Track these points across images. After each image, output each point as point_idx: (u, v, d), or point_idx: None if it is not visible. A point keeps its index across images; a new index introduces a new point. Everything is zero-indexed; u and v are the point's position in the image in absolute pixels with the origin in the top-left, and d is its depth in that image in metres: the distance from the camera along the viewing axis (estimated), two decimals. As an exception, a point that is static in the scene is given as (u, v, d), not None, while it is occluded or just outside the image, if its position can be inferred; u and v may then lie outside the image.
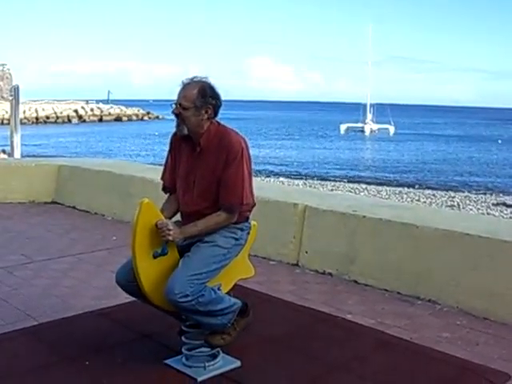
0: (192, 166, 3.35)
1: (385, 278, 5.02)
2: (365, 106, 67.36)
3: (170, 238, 3.14)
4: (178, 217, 3.49)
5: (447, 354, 3.76)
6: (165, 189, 3.56)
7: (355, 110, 69.22)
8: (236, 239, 3.37)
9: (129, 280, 3.27)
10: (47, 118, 73.36)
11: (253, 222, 3.57)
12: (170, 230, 3.13)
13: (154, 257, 3.17)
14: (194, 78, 3.29)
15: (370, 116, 66.29)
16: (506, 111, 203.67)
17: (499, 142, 57.63)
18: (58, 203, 8.50)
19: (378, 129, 65.36)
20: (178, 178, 3.42)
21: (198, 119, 3.25)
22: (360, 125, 65.76)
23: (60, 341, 3.83)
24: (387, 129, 64.01)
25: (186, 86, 3.26)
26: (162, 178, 3.57)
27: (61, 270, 5.41)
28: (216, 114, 3.32)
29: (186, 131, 3.28)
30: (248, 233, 3.49)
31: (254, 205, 3.46)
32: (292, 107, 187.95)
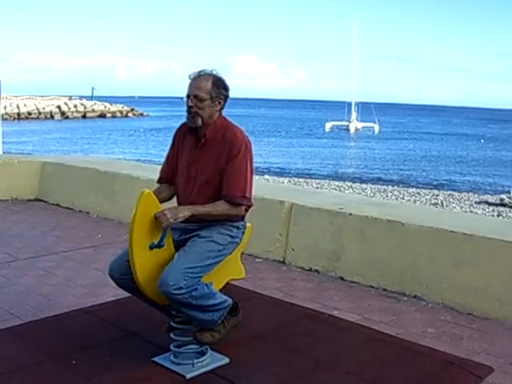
0: (195, 157, 3.40)
1: (371, 275, 5.05)
2: (350, 104, 67.52)
3: (171, 220, 3.13)
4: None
5: (433, 349, 3.81)
6: (160, 179, 3.59)
7: (340, 108, 69.38)
8: (232, 237, 3.40)
9: (122, 273, 3.28)
10: (29, 114, 72.41)
11: (248, 224, 3.59)
12: (165, 215, 3.14)
13: (151, 248, 3.19)
14: (201, 71, 3.36)
15: (354, 114, 66.49)
16: (489, 111, 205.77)
17: (482, 141, 58.16)
18: (42, 200, 8.44)
19: (363, 127, 65.60)
20: (179, 169, 3.45)
21: (212, 110, 3.33)
22: (345, 123, 65.96)
23: (46, 340, 3.80)
24: (372, 127, 64.27)
25: (198, 79, 3.32)
26: (165, 165, 3.60)
27: (46, 268, 5.38)
28: (224, 105, 3.40)
29: (200, 122, 3.33)
30: (243, 232, 3.52)
31: (252, 205, 3.48)
32: (277, 105, 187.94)
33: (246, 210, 3.47)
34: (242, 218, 3.50)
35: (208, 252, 3.25)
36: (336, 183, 25.59)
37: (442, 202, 21.06)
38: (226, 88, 3.37)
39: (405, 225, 4.92)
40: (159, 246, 3.20)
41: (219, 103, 3.35)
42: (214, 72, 3.37)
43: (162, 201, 3.42)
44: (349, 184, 25.48)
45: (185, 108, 3.35)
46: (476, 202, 21.28)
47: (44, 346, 3.71)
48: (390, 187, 25.20)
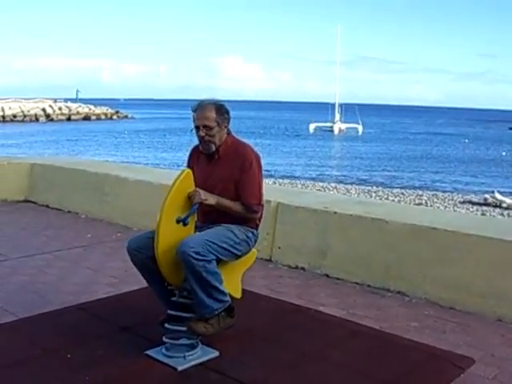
0: (211, 172, 3.73)
1: (356, 272, 5.19)
2: (333, 105, 67.80)
3: (202, 196, 3.48)
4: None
5: (416, 342, 3.94)
6: None
7: (325, 109, 69.63)
8: (247, 237, 3.73)
9: (140, 246, 3.55)
10: (14, 116, 72.09)
11: (253, 249, 3.87)
12: (198, 192, 3.48)
13: (177, 221, 3.43)
14: (202, 101, 3.70)
15: (338, 116, 66.78)
16: (472, 111, 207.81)
17: (466, 141, 58.71)
18: (31, 202, 8.50)
19: (347, 128, 65.93)
20: (195, 184, 3.66)
21: (220, 134, 3.69)
22: (329, 124, 66.25)
23: (40, 335, 3.90)
24: (356, 128, 64.63)
25: (202, 110, 3.66)
26: None
27: (37, 266, 5.46)
28: (228, 125, 3.75)
29: (213, 148, 3.70)
30: (255, 240, 3.82)
31: (262, 215, 3.85)
32: (261, 107, 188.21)
33: (259, 220, 3.82)
34: (257, 227, 3.82)
35: (226, 237, 3.57)
36: (320, 184, 25.71)
37: (426, 202, 21.29)
38: (227, 112, 3.73)
39: (388, 222, 5.06)
40: (184, 221, 3.43)
41: (225, 126, 3.71)
42: (214, 100, 3.72)
43: None
44: (333, 185, 25.64)
45: (196, 137, 3.71)
46: (460, 202, 21.53)
47: (39, 340, 3.81)
48: (375, 188, 25.40)
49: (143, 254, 3.53)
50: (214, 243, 3.44)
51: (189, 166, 3.86)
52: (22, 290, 4.82)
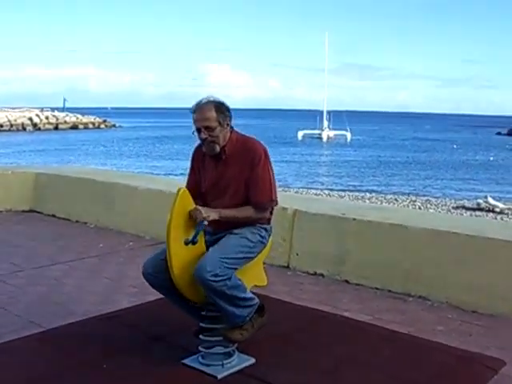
0: (220, 173, 3.55)
1: (375, 277, 5.21)
2: (321, 112, 68.10)
3: (204, 214, 3.30)
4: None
5: (446, 345, 3.98)
6: None
7: (313, 116, 69.88)
8: (261, 236, 3.57)
9: (157, 271, 3.42)
10: (1, 126, 71.77)
11: (270, 238, 3.76)
12: (199, 210, 3.31)
13: (186, 243, 3.32)
14: (200, 101, 3.49)
15: (326, 123, 67.07)
16: (459, 117, 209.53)
17: (454, 146, 59.15)
18: (36, 211, 8.44)
19: (335, 135, 66.22)
20: (205, 187, 3.59)
21: (223, 133, 3.49)
22: (317, 131, 66.52)
23: (72, 345, 3.86)
24: (344, 135, 64.95)
25: (201, 110, 3.46)
26: (187, 187, 3.62)
27: (54, 277, 5.43)
28: (231, 122, 3.56)
29: (218, 149, 3.49)
30: (269, 235, 3.68)
31: (277, 204, 3.66)
32: (249, 114, 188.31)
33: (271, 213, 3.66)
34: (269, 222, 3.67)
35: (240, 246, 3.43)
36: (313, 191, 25.75)
37: (419, 207, 21.40)
38: (228, 109, 3.54)
39: (408, 228, 5.10)
40: (193, 241, 3.33)
41: (227, 124, 3.51)
42: (212, 98, 3.52)
43: None
44: (326, 192, 25.69)
45: (198, 139, 3.51)
46: (453, 207, 21.67)
47: (71, 351, 3.78)
48: (368, 194, 25.48)
49: (160, 278, 3.41)
50: (229, 258, 3.31)
51: (193, 168, 3.70)
52: (42, 300, 4.79)
